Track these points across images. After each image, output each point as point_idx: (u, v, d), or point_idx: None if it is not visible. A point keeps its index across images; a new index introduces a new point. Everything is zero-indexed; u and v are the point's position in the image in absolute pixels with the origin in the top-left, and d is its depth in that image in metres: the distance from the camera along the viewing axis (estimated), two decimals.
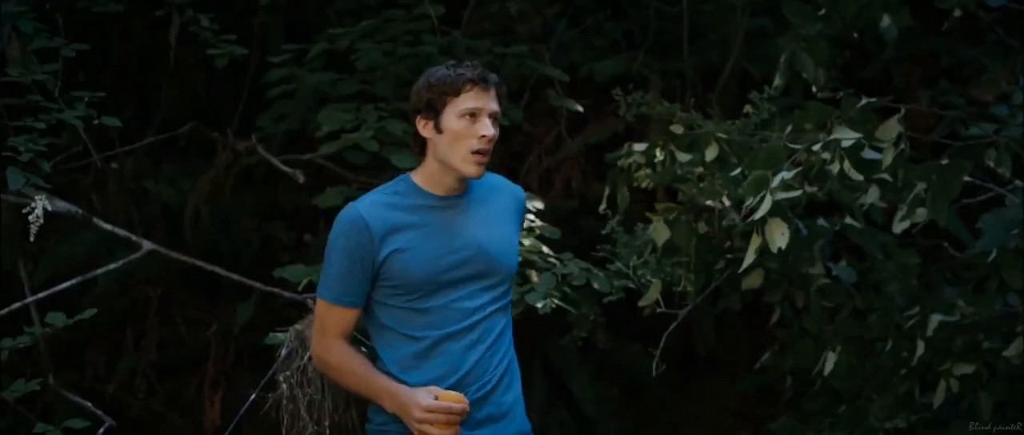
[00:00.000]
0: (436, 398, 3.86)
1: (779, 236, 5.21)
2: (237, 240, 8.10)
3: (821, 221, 6.20)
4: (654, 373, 5.92)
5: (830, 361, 6.00)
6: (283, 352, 5.37)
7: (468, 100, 3.95)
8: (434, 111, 3.97)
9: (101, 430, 5.67)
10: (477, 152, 3.96)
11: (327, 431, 5.31)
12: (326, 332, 4.05)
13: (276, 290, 6.03)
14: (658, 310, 6.01)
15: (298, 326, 5.43)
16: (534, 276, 5.98)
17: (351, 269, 3.97)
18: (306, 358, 5.26)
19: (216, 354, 8.05)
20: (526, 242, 5.99)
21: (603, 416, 7.60)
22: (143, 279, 7.93)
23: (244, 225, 8.14)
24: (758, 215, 5.22)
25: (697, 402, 8.05)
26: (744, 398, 7.90)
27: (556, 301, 5.80)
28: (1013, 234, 5.48)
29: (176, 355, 8.16)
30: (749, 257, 5.33)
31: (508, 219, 4.15)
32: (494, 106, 4.00)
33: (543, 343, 7.61)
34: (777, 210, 5.23)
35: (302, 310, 5.74)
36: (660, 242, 6.01)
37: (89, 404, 5.87)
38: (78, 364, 8.05)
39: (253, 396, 5.36)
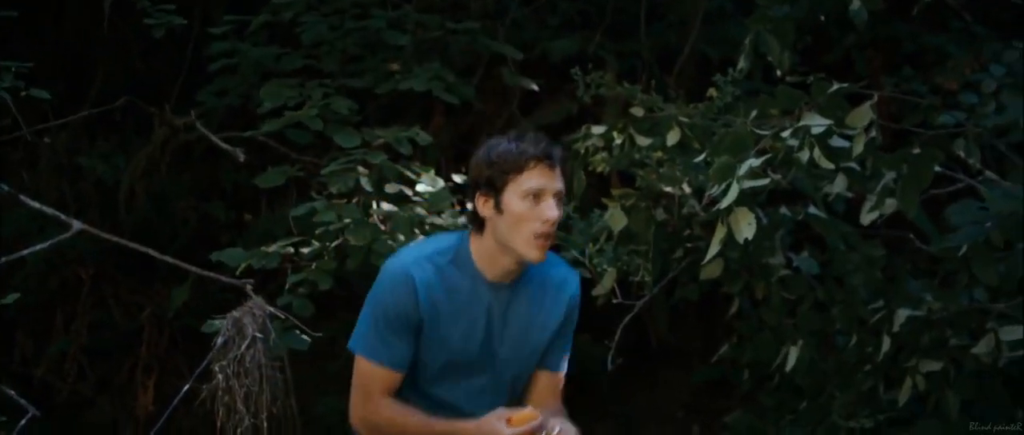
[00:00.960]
0: (508, 422, 3.64)
1: (746, 226, 4.97)
2: (173, 220, 7.90)
3: (784, 210, 6.00)
4: (609, 366, 5.68)
5: (792, 356, 5.81)
6: (219, 341, 5.12)
7: (532, 179, 3.66)
8: (495, 189, 3.69)
9: (24, 420, 5.39)
10: (541, 235, 3.68)
11: (264, 424, 5.07)
12: (371, 394, 3.80)
13: (213, 275, 5.75)
14: (614, 301, 5.77)
15: (236, 313, 5.19)
16: None
17: (397, 328, 3.74)
18: (243, 347, 5.01)
19: (150, 338, 7.89)
20: None
21: None
22: (74, 259, 7.71)
23: (181, 205, 7.94)
24: (724, 204, 4.98)
25: (649, 394, 7.87)
26: (698, 391, 7.73)
27: None
28: (987, 227, 5.27)
29: (108, 338, 7.95)
30: (714, 247, 5.10)
31: (548, 327, 3.89)
32: (559, 185, 3.72)
33: None
34: (744, 199, 4.99)
35: (240, 296, 5.48)
36: (616, 229, 5.78)
37: (12, 392, 5.57)
38: (6, 347, 7.84)
39: (187, 386, 5.11)
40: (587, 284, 5.89)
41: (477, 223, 3.75)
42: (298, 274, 5.58)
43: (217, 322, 5.32)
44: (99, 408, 7.93)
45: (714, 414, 7.43)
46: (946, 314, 5.65)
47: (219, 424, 5.05)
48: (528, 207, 3.65)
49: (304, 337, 5.29)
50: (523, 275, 3.80)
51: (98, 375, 7.96)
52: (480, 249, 3.75)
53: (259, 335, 5.09)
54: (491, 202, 3.69)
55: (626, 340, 5.80)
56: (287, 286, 5.54)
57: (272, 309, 5.24)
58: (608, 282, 5.74)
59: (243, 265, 5.61)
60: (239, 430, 5.01)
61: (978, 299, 5.94)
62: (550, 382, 3.97)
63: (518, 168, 3.65)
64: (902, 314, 5.61)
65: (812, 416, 5.95)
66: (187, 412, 7.54)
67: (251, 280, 5.42)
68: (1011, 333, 5.43)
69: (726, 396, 7.51)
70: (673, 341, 7.80)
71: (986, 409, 5.70)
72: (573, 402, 7.56)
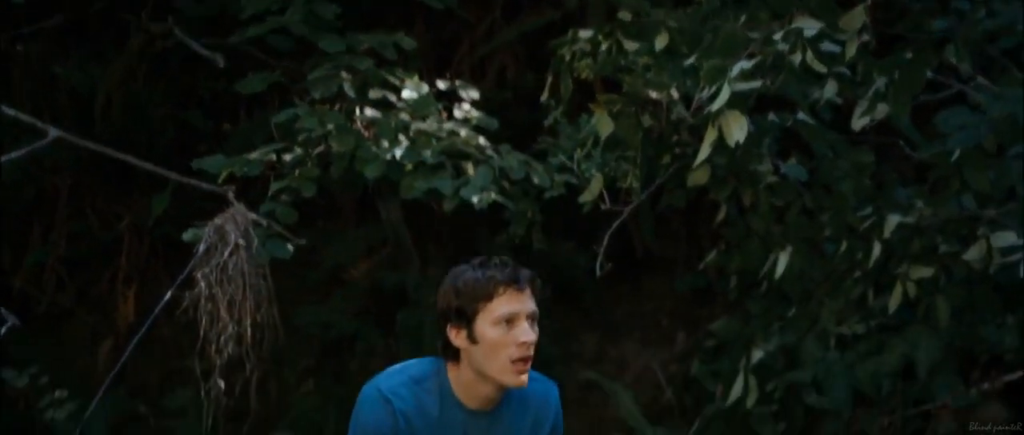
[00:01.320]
0: None
1: (737, 129, 4.89)
2: (151, 129, 7.75)
3: (771, 116, 5.92)
4: (598, 273, 5.61)
5: (781, 262, 5.75)
6: (201, 248, 5.02)
7: (503, 305, 3.48)
8: (466, 319, 3.52)
9: (3, 328, 5.30)
10: (519, 360, 3.51)
11: (248, 331, 4.98)
12: None
13: (193, 181, 5.65)
14: (602, 207, 5.69)
15: (218, 221, 5.10)
16: (470, 169, 5.63)
17: None
18: (226, 254, 4.92)
19: (129, 248, 7.83)
20: (462, 133, 5.64)
21: None
22: (51, 169, 7.60)
23: (158, 114, 7.80)
24: (715, 106, 4.90)
25: (634, 303, 7.81)
26: (682, 299, 7.67)
27: (493, 196, 5.45)
28: (981, 132, 5.21)
29: (87, 249, 7.87)
30: (704, 150, 5.02)
31: None
32: (532, 306, 3.52)
33: (475, 241, 7.30)
34: (735, 102, 4.91)
35: (221, 204, 5.38)
36: (603, 135, 5.69)
37: None
38: None
39: (169, 294, 5.01)
40: (574, 190, 5.83)
41: (451, 354, 3.61)
42: (281, 181, 5.47)
43: (198, 230, 5.20)
44: (79, 319, 7.87)
45: (699, 322, 7.39)
46: (937, 220, 5.61)
47: (202, 332, 4.95)
48: (502, 334, 3.49)
49: (287, 245, 5.18)
50: (503, 400, 3.67)
51: (77, 286, 7.89)
52: (458, 379, 3.62)
53: (242, 242, 4.99)
54: (463, 333, 3.55)
55: (611, 249, 5.73)
56: (269, 193, 5.43)
57: (254, 216, 5.13)
58: (595, 188, 5.66)
59: (225, 172, 5.49)
60: (222, 338, 4.93)
61: (967, 206, 5.89)
62: None
63: (487, 296, 3.49)
64: (892, 220, 5.56)
65: (801, 323, 5.91)
66: (169, 322, 7.51)
67: (232, 187, 5.31)
68: (1003, 239, 5.39)
69: (711, 304, 7.46)
70: (658, 249, 7.74)
71: (976, 315, 5.66)
72: (557, 311, 7.59)
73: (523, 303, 3.52)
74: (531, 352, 3.53)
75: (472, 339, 3.53)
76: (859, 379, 5.58)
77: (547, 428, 3.77)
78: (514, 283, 3.51)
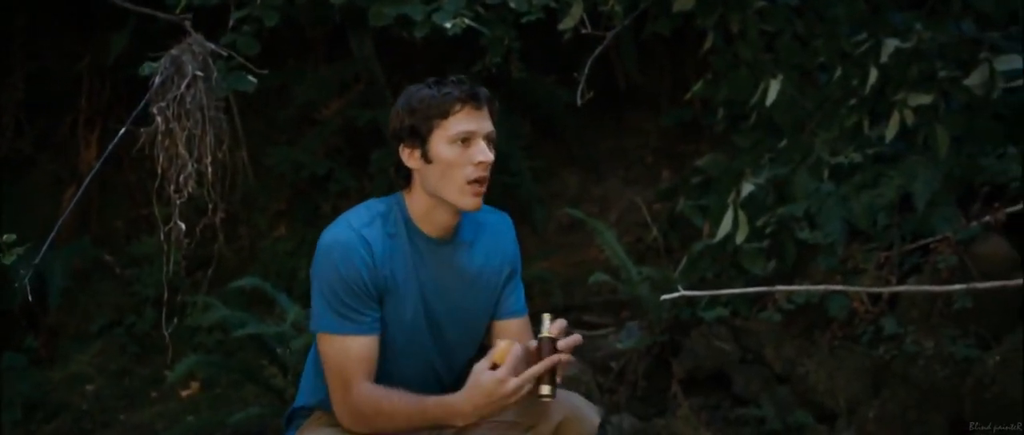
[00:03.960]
0: (494, 366, 3.28)
1: None
2: None
3: None
4: (579, 102, 5.33)
5: (773, 90, 5.53)
6: (157, 80, 4.69)
7: (459, 122, 3.40)
8: (420, 138, 3.42)
9: None
10: (475, 181, 3.40)
11: (209, 170, 4.68)
12: (349, 379, 3.39)
13: (153, 12, 5.30)
14: (583, 31, 5.39)
15: (174, 51, 4.75)
16: None
17: (358, 298, 3.40)
18: (183, 87, 4.60)
19: (90, 90, 7.60)
20: None
21: (514, 152, 7.07)
22: (5, 7, 7.24)
23: None
24: None
25: (615, 138, 7.56)
26: (666, 134, 7.41)
27: (467, 21, 5.13)
28: None
29: (46, 92, 7.60)
30: None
31: (501, 271, 3.62)
32: (489, 126, 3.45)
33: (448, 71, 6.99)
34: None
35: (180, 33, 5.04)
36: None
37: None
38: None
39: (124, 129, 4.68)
40: (553, 16, 5.53)
41: (404, 176, 3.50)
42: (242, 10, 5.15)
43: (155, 63, 4.88)
44: (40, 167, 7.65)
45: (684, 158, 7.17)
46: (935, 44, 5.36)
47: (160, 171, 4.65)
48: (458, 153, 3.41)
49: (250, 77, 4.87)
50: (459, 227, 3.55)
51: (37, 131, 7.65)
52: (414, 206, 3.50)
53: (200, 74, 4.67)
54: (417, 152, 3.44)
55: (593, 83, 5.45)
56: (230, 23, 5.10)
57: (214, 46, 4.81)
58: (577, 11, 5.38)
59: (183, 2, 5.16)
60: (182, 176, 4.63)
61: (966, 30, 5.62)
62: (521, 326, 3.67)
63: (443, 113, 3.41)
64: (890, 44, 5.34)
65: (792, 155, 5.65)
66: (135, 167, 7.28)
67: (189, 16, 4.98)
68: (1008, 62, 5.14)
69: (696, 139, 7.24)
70: (641, 82, 7.46)
71: (976, 145, 5.42)
72: (538, 147, 7.33)
73: (480, 122, 3.43)
74: (487, 173, 3.43)
75: (426, 158, 3.43)
76: (854, 212, 5.32)
77: (508, 258, 3.67)
78: (471, 100, 3.42)
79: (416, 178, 3.47)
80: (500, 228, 3.67)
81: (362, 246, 3.40)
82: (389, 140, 3.51)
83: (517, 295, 3.69)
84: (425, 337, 3.54)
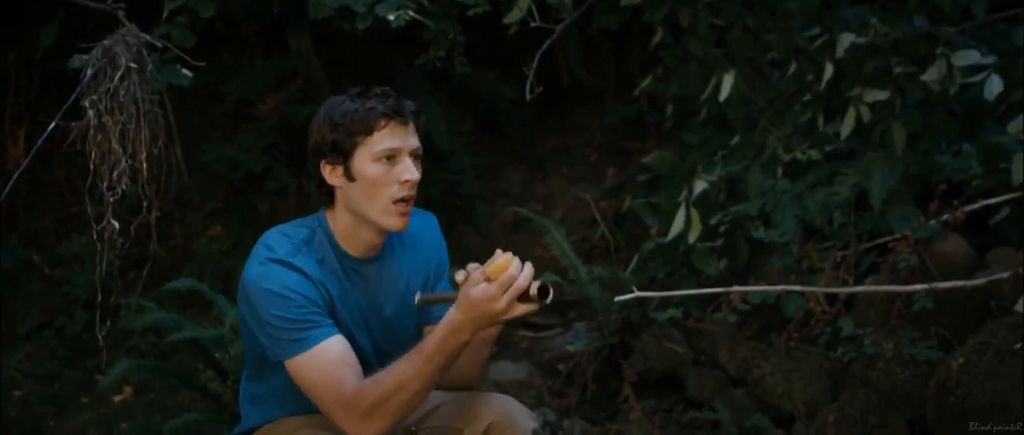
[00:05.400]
0: (488, 279, 3.12)
1: None
2: None
3: None
4: (528, 96, 5.20)
5: (726, 85, 5.43)
6: (88, 73, 4.51)
7: (384, 139, 3.27)
8: (342, 154, 3.27)
9: None
10: (400, 200, 3.26)
11: (144, 166, 4.49)
12: (340, 384, 3.20)
13: (85, 1, 5.10)
14: (532, 24, 5.26)
15: (106, 42, 4.57)
16: None
17: (303, 304, 3.23)
18: (116, 79, 4.41)
19: (18, 84, 7.46)
20: None
21: (456, 150, 6.93)
22: None
23: None
24: None
25: (559, 135, 7.49)
26: (611, 131, 7.31)
27: (410, 13, 4.97)
28: None
29: None
30: None
31: (428, 279, 3.51)
32: (415, 142, 3.31)
33: (390, 65, 6.87)
34: None
35: (113, 25, 4.85)
36: None
37: None
38: None
39: (53, 123, 4.51)
40: (499, 9, 5.40)
41: (326, 194, 3.36)
42: (176, 1, 4.97)
43: (85, 55, 4.69)
44: None
45: (630, 155, 7.10)
46: (891, 40, 5.29)
47: (92, 167, 4.47)
48: (382, 171, 3.27)
49: (185, 71, 4.70)
50: (385, 244, 3.41)
51: None
52: (338, 226, 3.36)
53: (134, 65, 4.49)
54: (340, 170, 3.30)
55: (536, 78, 5.32)
56: (165, 14, 4.92)
57: (148, 37, 4.63)
58: (524, 3, 5.25)
59: None
60: (115, 173, 4.44)
61: (920, 25, 5.55)
62: None
63: (367, 129, 3.27)
64: (846, 39, 5.29)
65: (746, 151, 5.56)
66: (65, 164, 7.09)
67: (123, 5, 4.79)
68: (965, 58, 5.07)
69: (642, 136, 7.17)
70: (586, 79, 7.36)
71: (933, 142, 5.34)
72: (481, 143, 7.21)
73: (406, 138, 3.29)
74: (414, 192, 3.28)
75: (349, 176, 3.29)
76: (809, 210, 5.23)
77: (433, 264, 3.53)
78: (397, 115, 3.27)
79: (338, 196, 3.33)
80: (424, 235, 3.54)
81: (296, 272, 3.24)
82: (309, 156, 3.35)
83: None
84: (366, 354, 3.38)
